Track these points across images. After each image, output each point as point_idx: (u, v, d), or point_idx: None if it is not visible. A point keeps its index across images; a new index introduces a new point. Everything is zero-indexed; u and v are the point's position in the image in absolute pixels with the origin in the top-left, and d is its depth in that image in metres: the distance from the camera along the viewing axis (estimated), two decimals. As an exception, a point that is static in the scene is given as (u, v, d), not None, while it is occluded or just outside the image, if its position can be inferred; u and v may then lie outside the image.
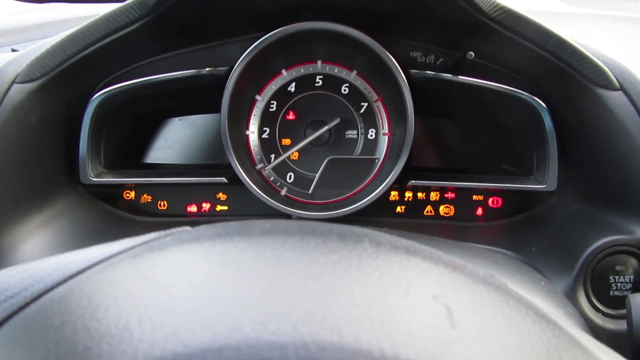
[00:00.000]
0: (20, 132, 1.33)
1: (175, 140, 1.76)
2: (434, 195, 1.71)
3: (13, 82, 1.30)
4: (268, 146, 1.70)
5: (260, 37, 1.46)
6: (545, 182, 1.51)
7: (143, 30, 1.32)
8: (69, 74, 1.35)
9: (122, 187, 1.69)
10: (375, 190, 1.56)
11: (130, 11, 1.30)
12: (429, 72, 1.47)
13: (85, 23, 1.33)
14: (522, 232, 1.55)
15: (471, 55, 1.30)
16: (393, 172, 1.53)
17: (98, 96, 1.45)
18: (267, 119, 1.68)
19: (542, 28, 1.28)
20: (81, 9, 2.18)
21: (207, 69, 1.49)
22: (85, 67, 1.37)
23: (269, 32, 1.47)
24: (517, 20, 1.28)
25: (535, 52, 1.30)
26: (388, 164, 1.65)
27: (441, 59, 1.48)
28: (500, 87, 1.43)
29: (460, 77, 1.45)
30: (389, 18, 1.40)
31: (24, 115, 1.32)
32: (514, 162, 1.69)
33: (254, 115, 1.68)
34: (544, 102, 1.42)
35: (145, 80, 1.45)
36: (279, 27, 1.46)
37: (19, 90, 1.30)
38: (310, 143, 1.66)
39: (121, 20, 1.31)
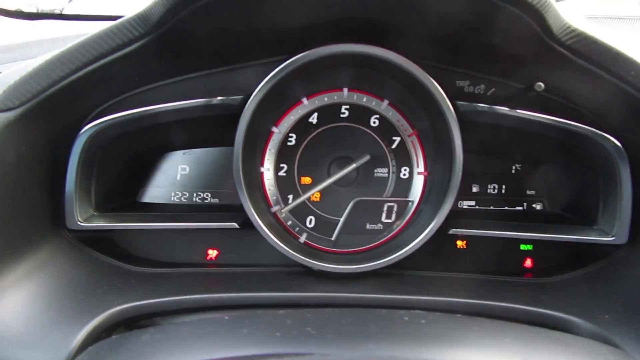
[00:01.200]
0: (-6, 170, 1.10)
1: (177, 176, 1.53)
2: (474, 245, 1.48)
3: (-13, 111, 1.08)
4: (285, 185, 1.47)
5: (281, 61, 1.24)
6: (613, 234, 1.29)
7: (144, 50, 1.11)
8: (54, 102, 1.13)
9: (116, 231, 1.45)
10: (412, 241, 1.33)
11: (129, 28, 1.08)
12: (482, 104, 1.24)
13: (74, 42, 1.11)
14: (585, 292, 1.31)
15: (540, 87, 1.08)
16: (436, 220, 1.30)
17: (89, 129, 1.23)
18: (284, 154, 1.46)
19: (621, 55, 1.07)
20: (74, 27, 1.97)
21: (219, 97, 1.27)
22: (73, 94, 1.15)
23: (291, 55, 1.25)
24: (592, 47, 1.07)
25: (612, 83, 1.09)
26: (425, 208, 1.42)
27: (492, 90, 1.27)
28: (569, 124, 1.21)
29: (519, 111, 1.23)
30: (435, 41, 1.18)
31: (-1, 151, 1.09)
32: (570, 209, 1.46)
33: (270, 149, 1.45)
34: (620, 143, 1.20)
35: (145, 111, 1.23)
36: (301, 50, 1.24)
37: (-7, 121, 1.08)
38: (334, 182, 1.44)
39: (118, 39, 1.09)
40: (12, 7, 2.01)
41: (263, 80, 1.23)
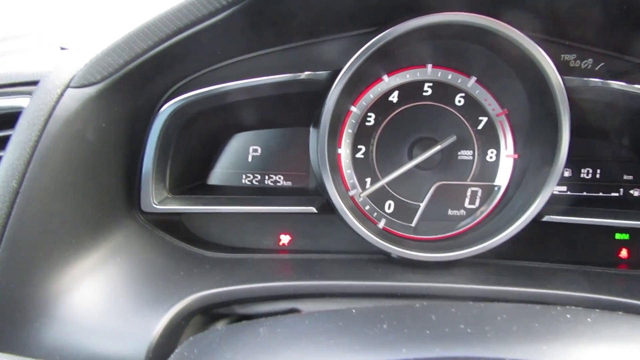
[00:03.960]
0: (73, 149, 1.05)
1: (249, 158, 1.46)
2: (567, 232, 1.38)
3: (67, 87, 1.02)
4: (363, 168, 1.39)
5: (371, 34, 1.15)
6: None
7: (229, 21, 1.03)
8: (136, 76, 1.06)
9: (186, 214, 1.40)
10: (505, 229, 1.24)
11: (212, 0, 1.00)
12: (595, 79, 1.14)
13: (156, 14, 1.04)
14: None
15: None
16: (534, 206, 1.20)
17: (169, 106, 1.16)
18: (362, 134, 1.38)
19: None
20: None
21: (306, 72, 1.18)
22: (155, 68, 1.08)
23: (380, 27, 1.16)
24: None
25: None
26: (516, 193, 1.33)
27: (602, 64, 1.15)
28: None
29: (638, 86, 1.12)
30: (546, 10, 1.08)
31: (79, 128, 1.04)
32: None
33: (347, 130, 1.37)
34: None
35: (229, 87, 1.16)
36: (390, 22, 1.15)
37: (73, 97, 1.02)
38: (415, 166, 1.35)
39: (204, 9, 1.02)
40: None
41: (353, 54, 1.14)
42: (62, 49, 1.42)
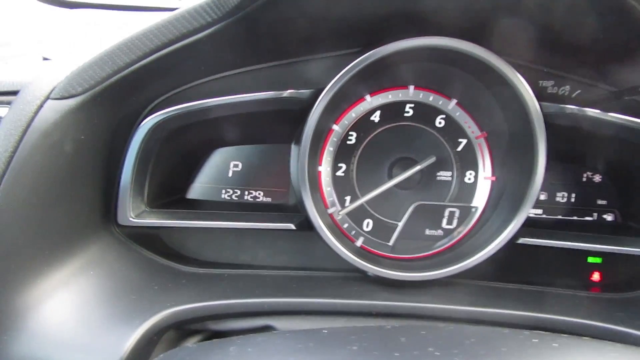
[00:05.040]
0: (51, 161, 1.04)
1: (229, 173, 1.46)
2: (539, 255, 1.40)
3: (47, 98, 1.01)
4: (342, 186, 1.40)
5: (354, 55, 1.17)
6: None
7: (215, 38, 1.04)
8: (117, 90, 1.06)
9: (163, 228, 1.39)
10: (480, 250, 1.25)
11: (201, 14, 1.01)
12: (570, 106, 1.16)
13: (141, 28, 1.04)
14: None
15: (646, 89, 1.00)
16: (510, 228, 1.22)
17: (150, 120, 1.16)
18: (343, 153, 1.38)
19: None
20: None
21: (289, 90, 1.19)
22: (137, 82, 1.08)
23: (363, 48, 1.18)
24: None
25: None
26: (492, 215, 1.35)
27: (578, 91, 1.18)
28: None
29: (613, 115, 1.15)
30: (526, 38, 1.10)
31: (57, 140, 1.03)
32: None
33: (328, 148, 1.38)
34: None
35: (212, 102, 1.16)
36: (374, 43, 1.17)
37: (53, 108, 1.02)
38: (395, 185, 1.36)
39: (189, 24, 1.02)
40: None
41: (336, 74, 1.15)
42: (45, 59, 1.41)
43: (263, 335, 0.88)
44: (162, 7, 2.09)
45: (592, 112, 1.17)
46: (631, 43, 0.99)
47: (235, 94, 1.17)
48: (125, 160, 1.18)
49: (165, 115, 1.16)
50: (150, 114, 1.16)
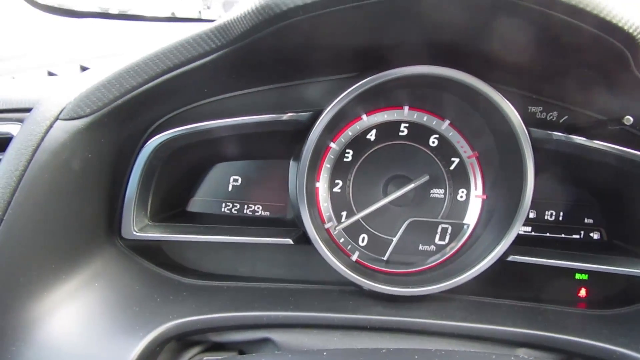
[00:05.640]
0: (59, 179, 1.08)
1: (229, 187, 1.51)
2: (528, 271, 1.44)
3: (56, 119, 1.06)
4: (339, 201, 1.44)
5: (352, 79, 1.22)
6: (680, 269, 1.26)
7: (219, 62, 1.08)
8: (124, 111, 1.10)
9: (165, 241, 1.43)
10: (472, 266, 1.30)
11: (206, 40, 1.06)
12: (557, 133, 1.22)
13: (147, 52, 1.09)
14: None
15: (629, 120, 1.04)
16: (501, 245, 1.27)
17: (155, 140, 1.20)
18: (340, 170, 1.43)
19: None
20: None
21: (289, 113, 1.24)
22: (142, 103, 1.13)
23: (362, 72, 1.22)
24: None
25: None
26: (483, 232, 1.39)
27: (565, 117, 1.23)
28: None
29: (597, 142, 1.20)
30: (516, 67, 1.15)
31: (65, 159, 1.07)
32: (631, 240, 1.43)
33: (326, 165, 1.43)
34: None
35: (214, 124, 1.21)
36: (373, 69, 1.21)
37: (62, 129, 1.06)
38: (390, 202, 1.41)
39: (194, 50, 1.07)
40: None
41: (335, 97, 1.20)
42: (50, 74, 1.45)
43: (263, 356, 0.92)
44: (160, 17, 2.14)
45: (578, 139, 1.22)
46: (616, 76, 1.04)
47: (236, 116, 1.22)
48: (130, 177, 1.22)
49: (169, 136, 1.20)
50: (155, 134, 1.21)
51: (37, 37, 2.03)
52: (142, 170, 1.22)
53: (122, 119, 1.12)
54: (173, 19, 2.13)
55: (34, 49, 1.87)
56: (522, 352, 1.19)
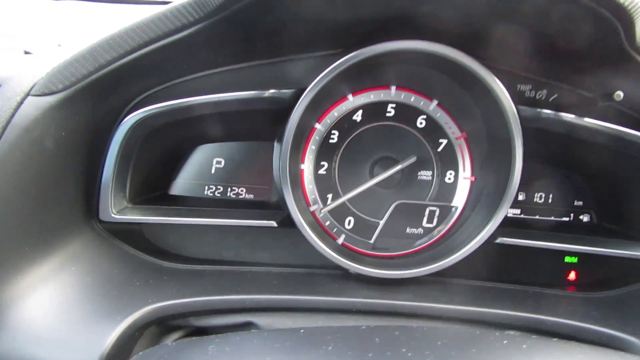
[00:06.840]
0: (31, 157, 1.04)
1: (212, 170, 1.47)
2: (517, 254, 1.42)
3: (27, 95, 1.01)
4: (324, 184, 1.41)
5: (336, 56, 1.18)
6: (669, 251, 1.24)
7: (197, 37, 1.04)
8: (98, 87, 1.06)
9: (145, 224, 1.39)
10: (460, 249, 1.27)
11: (183, 13, 1.02)
12: (547, 111, 1.19)
13: (123, 26, 1.05)
14: (636, 310, 1.26)
15: (620, 96, 1.02)
16: (488, 227, 1.24)
17: (132, 117, 1.16)
18: (325, 151, 1.40)
19: None
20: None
21: (271, 90, 1.20)
22: (118, 79, 1.08)
23: (345, 49, 1.19)
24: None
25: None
26: (471, 214, 1.37)
27: (555, 96, 1.20)
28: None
29: (587, 120, 1.17)
30: (506, 43, 1.12)
31: (38, 136, 1.03)
32: (621, 222, 1.41)
33: (311, 146, 1.39)
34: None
35: (194, 101, 1.17)
36: (356, 45, 1.18)
37: (34, 105, 1.01)
38: (376, 184, 1.38)
39: (171, 23, 1.03)
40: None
41: (318, 75, 1.16)
42: (26, 52, 1.40)
43: (242, 334, 0.90)
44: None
45: (567, 116, 1.19)
46: (607, 51, 1.01)
47: (217, 93, 1.18)
48: (107, 156, 1.19)
49: (146, 113, 1.16)
50: (132, 112, 1.17)
51: (21, 20, 1.98)
52: (118, 149, 1.18)
53: (97, 95, 1.08)
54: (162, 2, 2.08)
55: (18, 32, 1.82)
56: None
